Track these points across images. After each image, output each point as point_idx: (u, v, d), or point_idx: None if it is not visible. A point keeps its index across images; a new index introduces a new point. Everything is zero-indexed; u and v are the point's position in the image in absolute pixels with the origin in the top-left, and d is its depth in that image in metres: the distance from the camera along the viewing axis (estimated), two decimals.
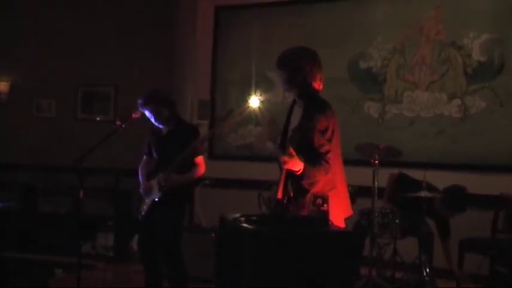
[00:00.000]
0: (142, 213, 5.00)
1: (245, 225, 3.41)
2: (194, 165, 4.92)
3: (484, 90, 6.61)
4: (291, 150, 3.57)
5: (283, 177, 3.69)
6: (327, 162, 3.68)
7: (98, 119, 8.48)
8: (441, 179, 5.90)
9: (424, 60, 6.92)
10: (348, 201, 3.97)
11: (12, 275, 6.16)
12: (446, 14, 6.84)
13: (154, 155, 5.12)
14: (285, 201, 3.67)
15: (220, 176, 7.53)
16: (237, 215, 3.61)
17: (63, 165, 5.58)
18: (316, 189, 3.68)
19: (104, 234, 7.63)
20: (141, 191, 5.08)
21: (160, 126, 5.03)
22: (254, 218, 3.55)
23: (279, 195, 3.67)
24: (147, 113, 4.96)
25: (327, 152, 3.69)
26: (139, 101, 4.96)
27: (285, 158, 3.58)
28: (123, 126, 4.97)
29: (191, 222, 7.73)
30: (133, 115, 5.03)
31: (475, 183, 6.34)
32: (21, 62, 8.86)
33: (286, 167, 3.63)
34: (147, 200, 4.98)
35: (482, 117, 6.60)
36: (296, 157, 3.57)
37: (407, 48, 7.02)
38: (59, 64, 8.73)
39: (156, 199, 4.87)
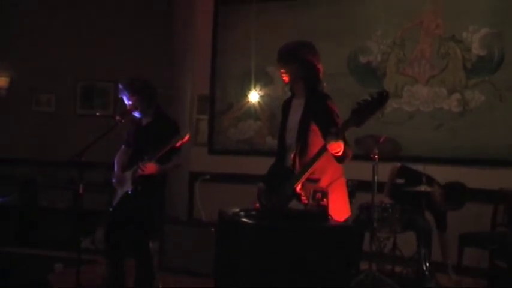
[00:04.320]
0: (114, 204, 4.99)
1: (245, 219, 3.40)
2: (173, 156, 4.87)
3: (484, 85, 6.60)
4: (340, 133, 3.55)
5: (310, 169, 3.66)
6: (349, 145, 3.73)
7: (97, 114, 8.47)
8: (441, 173, 5.91)
9: (423, 55, 6.91)
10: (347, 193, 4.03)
11: (11, 270, 6.16)
12: (446, 8, 6.84)
13: (130, 144, 5.11)
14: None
15: (220, 170, 7.56)
16: (237, 210, 3.61)
17: (63, 160, 5.57)
18: (326, 179, 3.75)
19: (103, 229, 7.61)
20: (113, 181, 5.05)
21: (137, 115, 5.00)
22: (253, 212, 3.55)
23: (299, 189, 3.69)
24: (125, 100, 4.95)
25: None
26: (119, 86, 4.97)
27: (339, 142, 3.52)
28: (122, 121, 4.96)
29: (191, 216, 7.74)
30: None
31: (474, 178, 6.35)
32: (21, 57, 8.85)
33: (334, 149, 3.55)
34: (119, 192, 4.97)
35: (481, 112, 6.60)
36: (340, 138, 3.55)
37: (406, 43, 7.01)
38: (58, 59, 8.72)
39: (129, 191, 4.84)
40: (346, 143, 3.63)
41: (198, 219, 7.26)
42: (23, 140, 8.74)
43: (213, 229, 6.13)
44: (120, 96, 4.99)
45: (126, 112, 4.98)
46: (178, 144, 4.74)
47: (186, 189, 7.84)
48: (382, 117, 7.02)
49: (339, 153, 3.61)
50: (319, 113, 3.80)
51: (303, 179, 3.68)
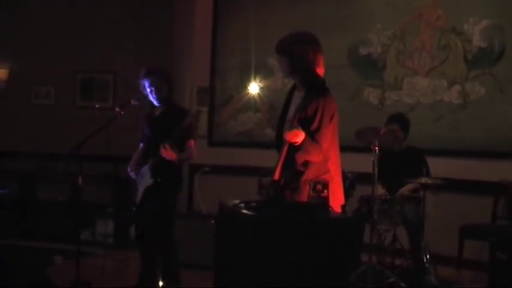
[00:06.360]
0: (137, 202, 5.02)
1: (245, 211, 3.40)
2: (187, 147, 4.92)
3: (484, 77, 6.57)
4: (296, 122, 3.64)
5: (282, 158, 3.70)
6: (319, 142, 3.72)
7: (96, 106, 8.45)
8: (441, 166, 5.90)
9: (424, 46, 6.88)
10: (342, 189, 3.99)
11: (11, 262, 6.17)
12: (446, 0, 6.80)
13: (146, 137, 5.12)
14: (281, 184, 3.67)
15: (220, 162, 7.55)
16: (237, 201, 3.60)
17: (62, 152, 5.56)
18: (311, 172, 3.73)
19: (103, 221, 7.63)
20: (131, 174, 5.09)
21: (155, 102, 5.01)
22: (253, 204, 3.53)
23: (276, 177, 3.68)
24: (146, 85, 4.95)
25: (320, 133, 3.73)
26: (143, 70, 4.97)
27: (294, 130, 3.62)
28: (122, 113, 4.97)
29: (190, 209, 7.73)
30: (132, 102, 5.03)
31: (474, 170, 6.35)
32: (20, 49, 8.82)
33: (291, 138, 3.64)
34: (140, 189, 4.99)
35: (482, 104, 6.57)
36: (300, 128, 3.63)
37: (407, 34, 6.98)
38: (57, 51, 8.69)
39: (149, 184, 4.88)
40: (313, 140, 3.69)
41: (197, 211, 7.26)
42: (22, 132, 8.72)
43: (213, 221, 6.12)
44: (141, 81, 4.98)
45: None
46: (192, 122, 4.78)
47: (185, 181, 7.82)
48: (383, 109, 7.01)
49: (298, 143, 3.69)
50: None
51: (278, 168, 3.70)
